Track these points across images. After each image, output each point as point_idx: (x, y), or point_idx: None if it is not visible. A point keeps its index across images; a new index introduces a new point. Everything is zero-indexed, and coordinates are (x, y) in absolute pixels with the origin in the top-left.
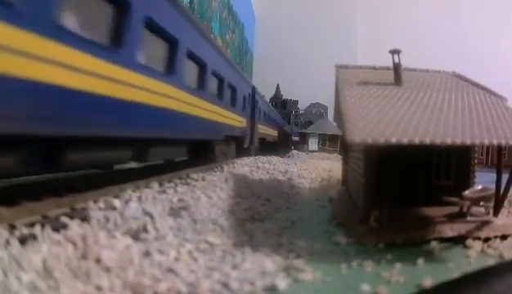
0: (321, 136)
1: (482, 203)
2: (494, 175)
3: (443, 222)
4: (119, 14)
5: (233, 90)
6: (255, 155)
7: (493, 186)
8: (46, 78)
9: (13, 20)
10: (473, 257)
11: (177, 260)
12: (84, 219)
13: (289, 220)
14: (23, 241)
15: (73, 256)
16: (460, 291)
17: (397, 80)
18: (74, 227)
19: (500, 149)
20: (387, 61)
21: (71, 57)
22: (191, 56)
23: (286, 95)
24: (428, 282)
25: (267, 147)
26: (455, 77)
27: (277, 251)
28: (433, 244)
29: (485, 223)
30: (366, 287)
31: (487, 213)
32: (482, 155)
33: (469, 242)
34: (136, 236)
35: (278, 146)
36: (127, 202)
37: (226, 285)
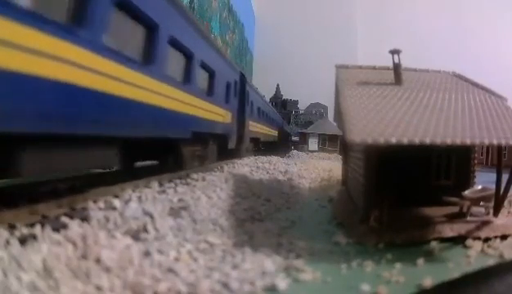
0: (321, 136)
1: (482, 203)
2: (494, 175)
3: (443, 222)
4: None
5: (210, 73)
6: (245, 157)
7: (493, 186)
8: None
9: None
10: (473, 257)
11: (177, 260)
12: (84, 219)
13: (289, 220)
14: (23, 241)
15: (73, 256)
16: (460, 291)
17: (397, 80)
18: (74, 227)
19: (500, 149)
20: (387, 61)
21: None
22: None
23: (286, 95)
24: (428, 282)
25: (267, 147)
26: (455, 77)
27: (277, 251)
28: (433, 244)
29: (485, 223)
30: (366, 287)
31: (487, 213)
32: (482, 155)
33: (469, 242)
34: (136, 236)
35: (278, 146)
36: (127, 202)
37: (226, 285)
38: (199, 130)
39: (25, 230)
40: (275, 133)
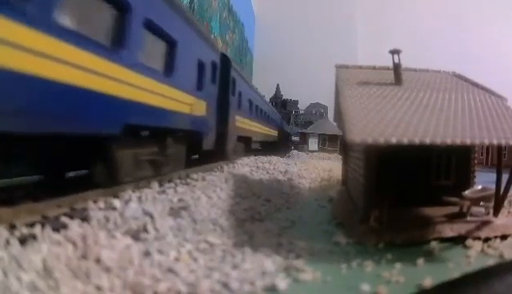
0: (321, 136)
1: (482, 203)
2: (494, 175)
3: (443, 222)
4: None
5: (169, 42)
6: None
7: (493, 186)
8: None
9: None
10: (473, 257)
11: (177, 260)
12: (84, 219)
13: (289, 220)
14: (23, 241)
15: (73, 256)
16: (460, 291)
17: (397, 80)
18: (74, 227)
19: (500, 149)
20: (387, 61)
21: None
22: None
23: (286, 95)
24: (428, 282)
25: (267, 147)
26: (455, 77)
27: (277, 251)
28: (433, 244)
29: (485, 223)
30: (366, 287)
31: (487, 213)
32: (482, 155)
33: (469, 242)
34: (136, 236)
35: (278, 146)
36: (127, 202)
37: (226, 285)
38: (141, 122)
39: (25, 230)
40: (274, 133)
